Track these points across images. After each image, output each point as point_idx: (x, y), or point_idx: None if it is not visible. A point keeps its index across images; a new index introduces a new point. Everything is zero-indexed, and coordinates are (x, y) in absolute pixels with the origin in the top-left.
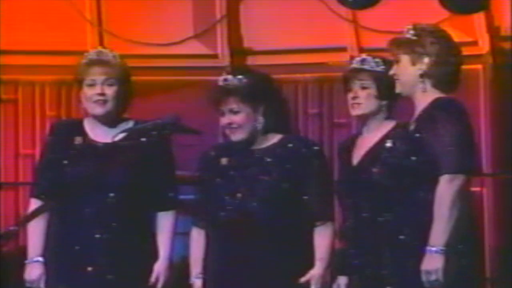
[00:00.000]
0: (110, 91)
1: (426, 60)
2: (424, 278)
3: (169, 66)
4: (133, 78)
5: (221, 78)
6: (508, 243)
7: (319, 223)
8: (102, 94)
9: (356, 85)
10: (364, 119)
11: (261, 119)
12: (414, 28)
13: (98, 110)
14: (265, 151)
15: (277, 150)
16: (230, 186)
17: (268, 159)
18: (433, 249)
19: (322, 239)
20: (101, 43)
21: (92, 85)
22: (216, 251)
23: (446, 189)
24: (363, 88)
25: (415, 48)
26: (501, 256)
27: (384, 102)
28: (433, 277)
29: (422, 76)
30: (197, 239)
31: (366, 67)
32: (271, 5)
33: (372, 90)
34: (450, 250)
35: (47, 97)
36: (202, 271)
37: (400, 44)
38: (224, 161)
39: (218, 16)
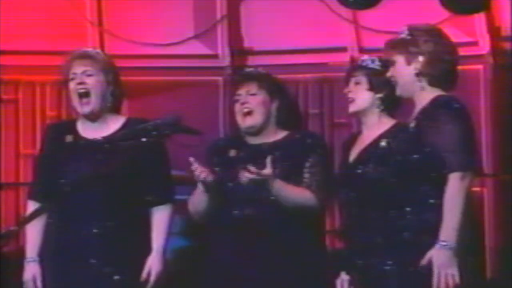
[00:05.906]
0: (90, 80)
1: (421, 58)
2: (436, 272)
3: (169, 66)
4: (133, 78)
5: (243, 70)
6: (508, 243)
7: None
8: (82, 83)
9: (351, 82)
10: (360, 115)
11: (274, 111)
12: (409, 29)
13: (83, 109)
14: (273, 145)
15: (285, 144)
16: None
17: (277, 153)
18: (445, 244)
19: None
20: (101, 43)
21: (73, 78)
22: (225, 245)
23: (457, 186)
24: (356, 83)
25: (409, 48)
26: (501, 256)
27: (377, 96)
28: (448, 272)
29: (418, 75)
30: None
31: (362, 64)
32: (272, 5)
33: (364, 85)
34: (459, 246)
35: (47, 97)
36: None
37: (394, 44)
38: (232, 152)
39: (219, 16)
